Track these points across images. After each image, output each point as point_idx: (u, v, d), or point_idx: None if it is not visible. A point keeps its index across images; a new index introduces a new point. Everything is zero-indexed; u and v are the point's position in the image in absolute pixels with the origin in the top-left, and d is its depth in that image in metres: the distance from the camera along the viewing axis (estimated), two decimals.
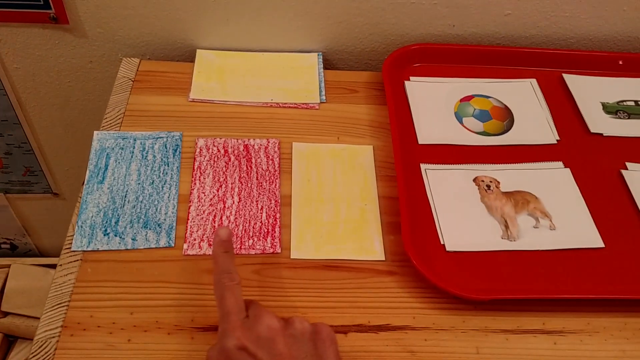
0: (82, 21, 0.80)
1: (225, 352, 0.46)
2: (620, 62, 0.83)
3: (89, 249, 0.59)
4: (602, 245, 0.63)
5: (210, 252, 0.60)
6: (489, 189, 0.66)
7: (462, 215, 0.64)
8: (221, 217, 0.63)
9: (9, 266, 1.20)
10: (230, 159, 0.69)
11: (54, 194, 1.11)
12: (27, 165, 1.04)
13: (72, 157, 1.04)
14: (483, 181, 0.67)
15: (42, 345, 0.53)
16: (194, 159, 0.68)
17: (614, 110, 0.78)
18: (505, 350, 0.55)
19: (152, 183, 0.65)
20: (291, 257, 0.60)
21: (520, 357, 0.55)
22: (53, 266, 1.20)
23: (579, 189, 0.68)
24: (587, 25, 0.84)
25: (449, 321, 0.57)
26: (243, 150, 0.70)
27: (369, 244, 0.62)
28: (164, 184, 0.65)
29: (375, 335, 0.55)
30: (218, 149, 0.69)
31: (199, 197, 0.64)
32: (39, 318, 0.55)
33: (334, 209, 0.65)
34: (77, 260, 0.59)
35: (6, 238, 1.24)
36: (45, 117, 0.96)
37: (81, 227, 0.61)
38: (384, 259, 0.61)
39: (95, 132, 0.69)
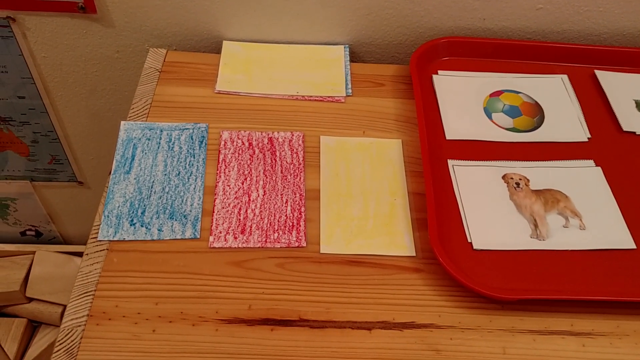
0: (109, 11, 0.80)
1: None
2: None
3: (115, 238, 0.59)
4: (633, 246, 0.61)
5: (236, 245, 0.60)
6: (518, 187, 0.65)
7: (490, 213, 0.63)
8: (246, 210, 0.63)
9: (33, 253, 1.22)
10: (254, 152, 0.68)
11: (79, 182, 1.12)
12: (53, 153, 1.05)
13: (97, 147, 1.04)
14: (512, 178, 0.66)
15: (68, 334, 0.53)
16: (219, 151, 0.68)
17: None
18: (532, 351, 0.55)
19: (178, 174, 0.65)
20: (321, 251, 0.60)
21: (548, 359, 0.54)
22: (77, 253, 1.22)
23: (610, 188, 0.66)
24: (621, 20, 0.82)
25: (476, 320, 0.56)
26: (267, 143, 0.69)
27: (399, 239, 0.61)
28: (190, 175, 0.65)
29: (400, 333, 0.55)
30: (242, 142, 0.69)
31: (224, 189, 0.64)
32: (62, 304, 0.56)
33: (364, 203, 0.64)
34: (104, 249, 0.59)
35: (31, 225, 1.26)
36: (72, 106, 0.96)
37: (107, 216, 0.61)
38: (414, 254, 0.60)
39: (122, 122, 0.69)
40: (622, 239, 0.62)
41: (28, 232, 1.28)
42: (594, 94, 0.78)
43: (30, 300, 1.19)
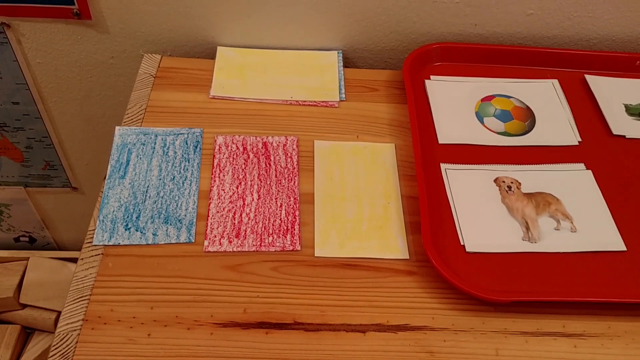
0: (104, 17, 0.81)
1: None
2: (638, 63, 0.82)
3: (110, 243, 0.60)
4: (624, 248, 0.62)
5: (231, 249, 0.60)
6: (510, 190, 0.66)
7: (482, 216, 0.64)
8: (241, 215, 0.63)
9: (27, 259, 1.21)
10: (249, 157, 0.69)
11: (73, 188, 1.12)
12: (47, 159, 1.05)
13: (91, 152, 1.04)
14: (504, 182, 0.67)
15: (63, 339, 0.53)
16: (214, 156, 0.68)
17: (637, 112, 0.77)
18: (524, 352, 0.55)
19: (173, 179, 0.65)
20: (315, 255, 0.61)
21: None
22: (71, 259, 1.22)
23: (601, 191, 0.67)
24: (610, 25, 0.83)
25: (469, 322, 0.57)
26: (262, 147, 0.70)
27: (393, 242, 0.62)
28: (185, 180, 0.65)
29: (394, 335, 0.55)
30: (237, 146, 0.70)
31: (218, 194, 0.65)
32: (56, 311, 0.56)
33: (357, 207, 0.65)
34: (99, 254, 0.59)
35: (25, 231, 1.25)
36: (66, 111, 0.96)
37: (102, 221, 0.61)
38: (408, 257, 0.61)
39: (117, 128, 0.70)
40: (613, 241, 0.63)
41: (22, 238, 1.27)
42: (584, 98, 0.79)
43: (24, 306, 1.18)
